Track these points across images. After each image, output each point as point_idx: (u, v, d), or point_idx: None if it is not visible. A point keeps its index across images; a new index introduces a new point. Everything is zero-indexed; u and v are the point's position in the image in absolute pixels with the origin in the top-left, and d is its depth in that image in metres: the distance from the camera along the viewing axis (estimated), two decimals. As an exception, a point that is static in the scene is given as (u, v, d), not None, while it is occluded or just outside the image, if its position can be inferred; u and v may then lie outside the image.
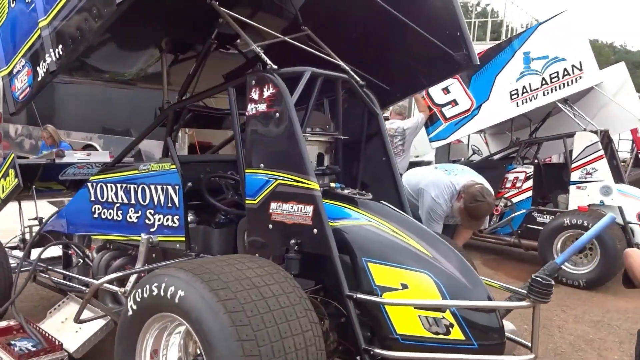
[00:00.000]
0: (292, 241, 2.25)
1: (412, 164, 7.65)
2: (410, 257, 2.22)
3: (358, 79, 2.85)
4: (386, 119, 6.92)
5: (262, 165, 2.36)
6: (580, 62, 5.28)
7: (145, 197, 2.92)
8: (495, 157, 6.77)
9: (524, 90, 5.61)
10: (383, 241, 2.27)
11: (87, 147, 9.67)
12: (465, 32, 2.99)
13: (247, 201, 2.43)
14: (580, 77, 5.30)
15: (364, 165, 2.90)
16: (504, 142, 6.90)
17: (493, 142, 7.37)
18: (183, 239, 2.73)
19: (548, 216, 5.85)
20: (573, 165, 5.71)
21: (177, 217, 2.76)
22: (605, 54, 54.23)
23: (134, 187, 2.97)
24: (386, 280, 2.18)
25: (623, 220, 5.50)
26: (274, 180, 2.32)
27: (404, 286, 2.15)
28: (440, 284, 2.13)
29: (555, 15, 5.48)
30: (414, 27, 2.99)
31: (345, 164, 2.91)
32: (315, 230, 2.20)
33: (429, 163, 7.54)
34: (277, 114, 2.29)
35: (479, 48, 5.09)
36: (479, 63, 2.99)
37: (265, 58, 2.37)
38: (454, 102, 6.09)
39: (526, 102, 5.62)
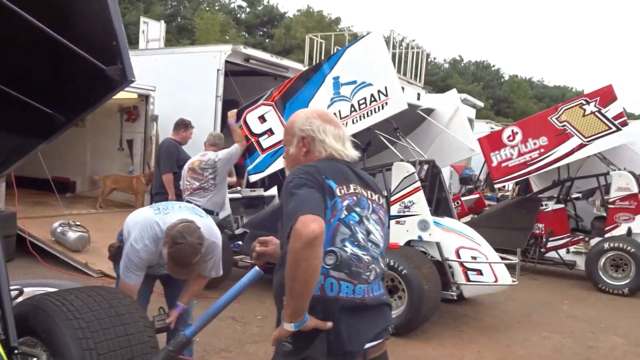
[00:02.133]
0: None
1: (254, 199, 7.08)
2: None
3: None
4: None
5: None
6: (385, 88, 4.91)
7: None
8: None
9: (335, 118, 5.16)
10: None
11: None
12: (122, 43, 2.42)
13: None
14: (387, 104, 4.91)
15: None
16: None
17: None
18: None
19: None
20: (392, 199, 5.28)
21: None
22: (524, 89, 57.17)
23: None
24: None
25: (441, 257, 5.09)
26: None
27: None
28: None
29: (360, 38, 5.12)
30: (63, 41, 2.41)
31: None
32: None
33: (272, 198, 6.98)
34: None
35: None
36: (135, 79, 2.42)
37: None
38: (270, 132, 5.58)
39: (337, 130, 5.17)
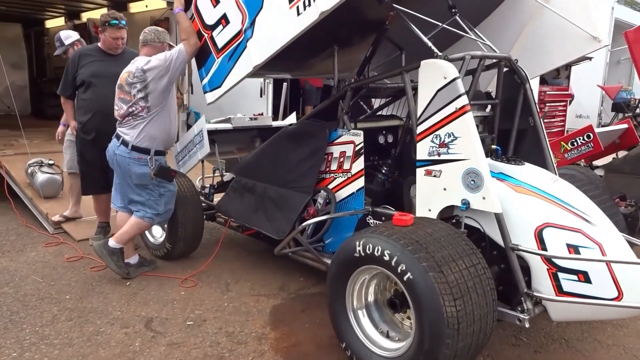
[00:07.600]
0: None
1: (263, 130, 5.02)
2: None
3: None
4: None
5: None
6: None
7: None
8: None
9: (306, -17, 2.79)
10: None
11: None
12: None
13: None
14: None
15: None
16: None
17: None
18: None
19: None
20: (419, 131, 2.86)
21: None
22: None
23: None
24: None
25: (504, 242, 2.63)
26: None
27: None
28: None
29: None
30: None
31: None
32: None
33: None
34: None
35: None
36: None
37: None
38: (225, 20, 3.37)
39: (309, 5, 2.81)
